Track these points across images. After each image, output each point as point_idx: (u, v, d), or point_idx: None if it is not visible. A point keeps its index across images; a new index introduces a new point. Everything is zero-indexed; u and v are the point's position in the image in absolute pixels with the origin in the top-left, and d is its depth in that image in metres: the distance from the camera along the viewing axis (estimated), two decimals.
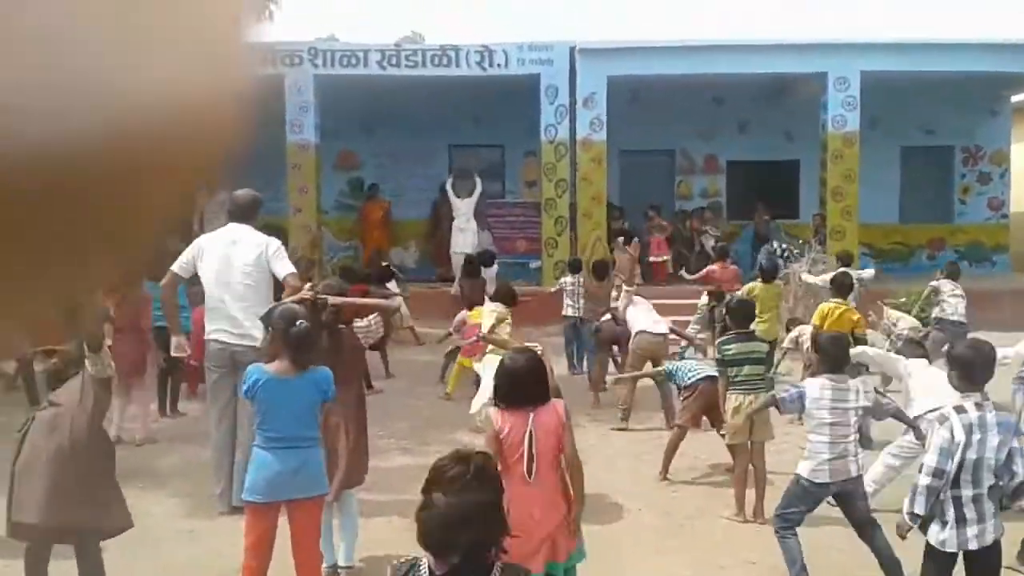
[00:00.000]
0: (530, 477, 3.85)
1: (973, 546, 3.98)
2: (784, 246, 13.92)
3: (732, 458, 6.54)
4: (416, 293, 13.42)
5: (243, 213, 6.25)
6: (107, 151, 0.49)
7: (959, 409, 4.02)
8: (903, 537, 4.29)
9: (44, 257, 0.50)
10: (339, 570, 5.13)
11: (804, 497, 5.06)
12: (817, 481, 4.95)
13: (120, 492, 4.55)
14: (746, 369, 6.31)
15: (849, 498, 5.06)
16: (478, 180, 15.18)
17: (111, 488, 4.48)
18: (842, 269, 9.94)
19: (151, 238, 0.59)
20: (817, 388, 4.96)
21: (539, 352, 4.22)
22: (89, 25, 0.48)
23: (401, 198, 17.02)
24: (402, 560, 2.43)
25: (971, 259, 17.48)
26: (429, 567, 2.34)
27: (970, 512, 3.94)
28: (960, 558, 4.10)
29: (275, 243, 6.22)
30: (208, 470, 6.54)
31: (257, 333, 5.96)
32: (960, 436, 3.92)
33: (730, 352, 6.33)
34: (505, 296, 7.83)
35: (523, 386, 3.91)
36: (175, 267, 6.25)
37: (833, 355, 5.13)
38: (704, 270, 11.17)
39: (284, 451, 4.28)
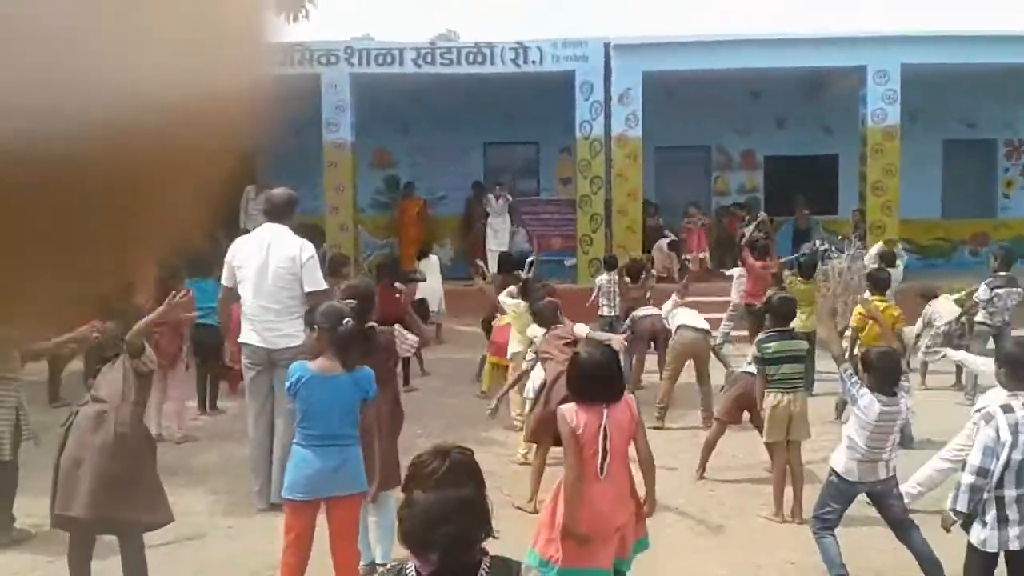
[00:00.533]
0: (602, 474, 3.87)
1: (1015, 546, 3.92)
2: (824, 242, 13.78)
3: (770, 457, 6.47)
4: (450, 291, 13.44)
5: (279, 212, 6.28)
6: (110, 147, 0.49)
7: (1006, 408, 3.95)
8: (947, 530, 4.22)
9: (46, 250, 0.51)
10: (377, 567, 5.17)
11: (837, 495, 5.01)
12: (848, 479, 4.89)
13: (162, 486, 4.62)
14: (784, 367, 6.25)
15: (882, 498, 5.00)
16: (508, 195, 15.30)
17: (154, 482, 4.56)
18: (878, 265, 9.79)
19: (170, 234, 0.59)
20: (868, 400, 4.87)
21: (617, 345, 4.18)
22: (89, 23, 0.48)
23: (436, 196, 17.09)
24: (389, 566, 2.41)
25: (1016, 255, 17.13)
26: (416, 569, 2.26)
27: (1012, 512, 3.87)
28: (1001, 558, 4.04)
29: (309, 250, 6.20)
30: (247, 468, 6.62)
31: (293, 332, 6.03)
32: (1006, 435, 3.85)
33: (770, 350, 6.26)
34: (546, 318, 6.84)
35: (599, 381, 3.91)
36: (223, 280, 6.32)
37: (883, 371, 5.00)
38: (746, 262, 10.92)
39: (325, 449, 4.32)
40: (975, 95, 16.16)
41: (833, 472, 5.01)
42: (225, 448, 7.83)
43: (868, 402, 4.86)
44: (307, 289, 6.06)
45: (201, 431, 8.55)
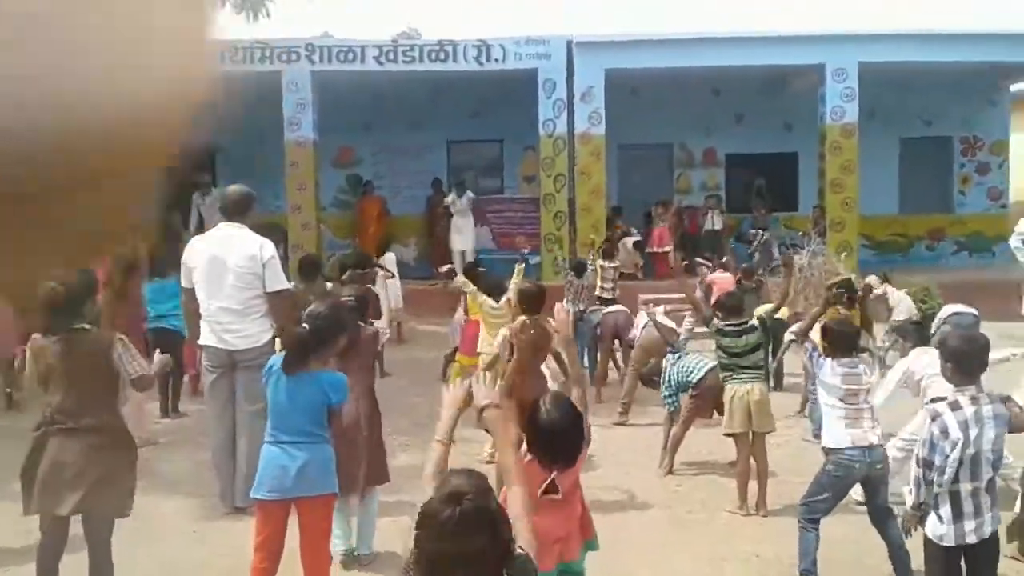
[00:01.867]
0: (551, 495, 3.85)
1: (972, 540, 4.00)
2: (762, 235, 14.16)
3: (736, 451, 6.53)
4: (414, 291, 13.41)
5: (236, 209, 6.07)
6: (47, 147, 0.49)
7: (954, 405, 4.02)
8: (908, 533, 4.30)
9: None
10: (359, 555, 5.30)
11: (833, 482, 5.04)
12: (843, 449, 4.95)
13: (134, 479, 4.58)
14: (744, 361, 6.34)
15: (878, 484, 5.07)
16: (469, 193, 15.25)
17: (131, 475, 4.53)
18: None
19: (112, 232, 0.59)
20: (828, 366, 5.04)
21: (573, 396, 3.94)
22: (29, 26, 0.48)
23: (400, 194, 17.03)
24: None
25: (971, 249, 17.49)
26: None
27: (968, 506, 3.95)
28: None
29: (269, 248, 6.04)
30: (213, 472, 6.55)
31: (255, 332, 5.96)
32: (956, 433, 3.92)
33: (731, 346, 6.35)
34: (531, 301, 6.52)
35: (557, 444, 3.57)
36: (183, 282, 6.19)
37: (840, 336, 5.19)
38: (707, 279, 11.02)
39: (290, 446, 4.28)
40: (932, 93, 16.47)
41: (828, 455, 5.05)
42: (189, 451, 7.74)
43: (829, 367, 5.01)
44: (269, 289, 5.95)
45: (164, 435, 8.43)
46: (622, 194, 16.91)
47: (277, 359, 4.42)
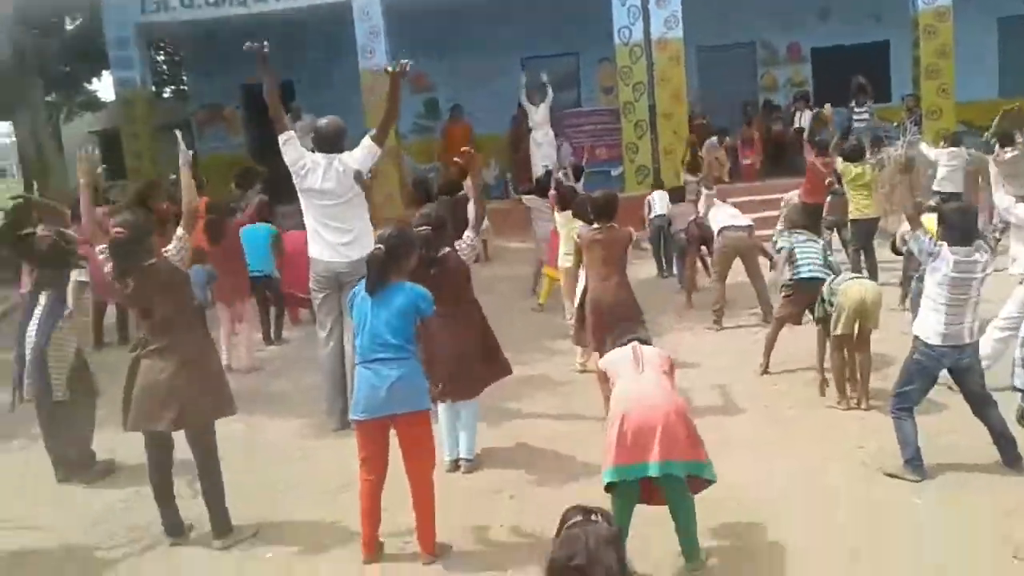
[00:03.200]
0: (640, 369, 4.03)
1: None
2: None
3: (831, 348, 6.37)
4: (496, 210, 13.41)
5: (330, 144, 6.29)
6: None
7: None
8: (1021, 423, 4.16)
9: None
10: (460, 462, 5.50)
11: (920, 371, 4.95)
12: (932, 345, 4.83)
13: (227, 382, 4.90)
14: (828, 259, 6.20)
15: (964, 373, 4.94)
16: (549, 89, 14.91)
17: (223, 380, 4.87)
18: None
19: None
20: (944, 253, 4.82)
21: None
22: None
23: (477, 116, 16.89)
24: None
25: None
26: None
27: None
28: None
29: (346, 155, 6.24)
30: (316, 394, 6.78)
31: (354, 254, 6.09)
32: None
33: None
34: (601, 209, 6.75)
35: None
36: (287, 134, 6.27)
37: (959, 225, 4.93)
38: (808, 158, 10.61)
39: (379, 365, 4.36)
40: None
41: (918, 344, 4.94)
42: (293, 375, 8.02)
43: (945, 254, 4.80)
44: (361, 163, 6.21)
45: (268, 362, 8.75)
46: (704, 98, 16.43)
47: (359, 286, 4.52)
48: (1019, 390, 3.99)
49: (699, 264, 10.10)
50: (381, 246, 4.42)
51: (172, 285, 4.67)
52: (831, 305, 6.14)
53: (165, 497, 4.89)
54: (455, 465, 5.50)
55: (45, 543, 5.04)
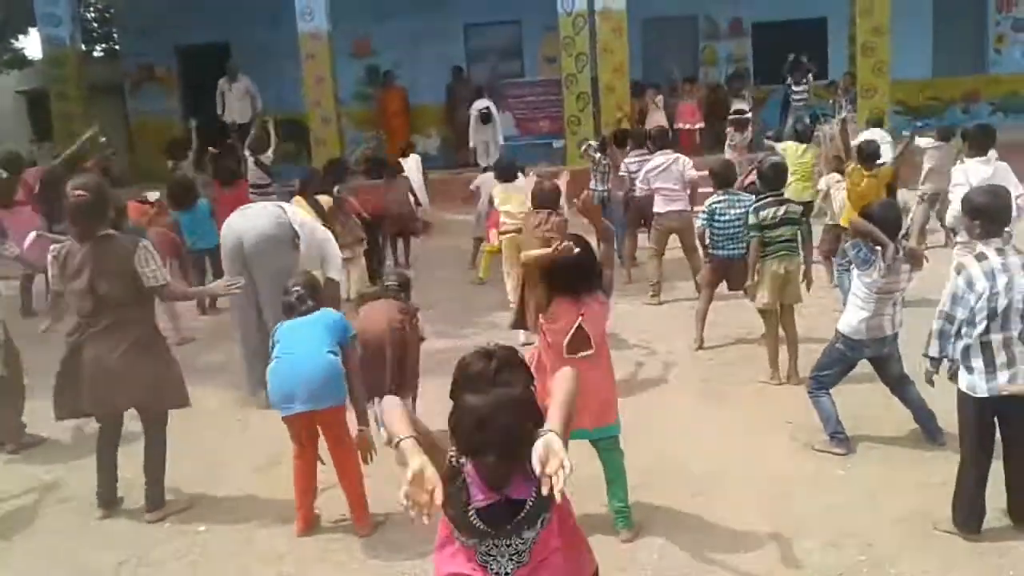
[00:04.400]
0: (578, 355, 4.01)
1: (1007, 391, 3.99)
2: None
3: (764, 323, 6.55)
4: (438, 180, 13.34)
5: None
6: None
7: (979, 256, 3.97)
8: (930, 383, 4.31)
9: None
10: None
11: (840, 359, 5.11)
12: (854, 339, 4.99)
13: (181, 373, 4.82)
14: (781, 231, 6.26)
15: (884, 360, 5.12)
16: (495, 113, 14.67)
17: (175, 369, 4.79)
18: (867, 138, 9.71)
19: None
20: (879, 265, 4.90)
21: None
22: None
23: (418, 83, 16.70)
24: (448, 462, 2.32)
25: (1007, 110, 16.98)
26: (468, 475, 2.28)
27: (1001, 357, 3.93)
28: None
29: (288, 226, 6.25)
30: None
31: (266, 225, 6.05)
32: (982, 284, 3.88)
33: (765, 217, 6.26)
34: (542, 200, 7.05)
35: (573, 275, 4.07)
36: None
37: (885, 221, 5.00)
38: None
39: (294, 359, 4.33)
40: None
41: (839, 336, 5.08)
42: (228, 346, 7.88)
43: (879, 263, 4.88)
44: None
45: (201, 332, 8.61)
46: (647, 72, 16.47)
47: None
48: (928, 356, 4.14)
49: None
50: (299, 289, 4.57)
51: (128, 259, 4.50)
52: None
53: (108, 468, 4.84)
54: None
55: None
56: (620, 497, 4.32)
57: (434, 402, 6.09)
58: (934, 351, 4.12)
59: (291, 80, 15.12)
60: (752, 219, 6.29)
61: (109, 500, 4.85)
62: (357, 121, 16.74)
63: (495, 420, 2.14)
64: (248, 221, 6.23)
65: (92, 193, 4.47)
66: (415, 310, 5.54)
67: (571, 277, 4.07)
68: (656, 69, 16.51)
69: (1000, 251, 3.95)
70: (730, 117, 12.31)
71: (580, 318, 4.05)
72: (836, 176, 8.66)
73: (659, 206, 8.69)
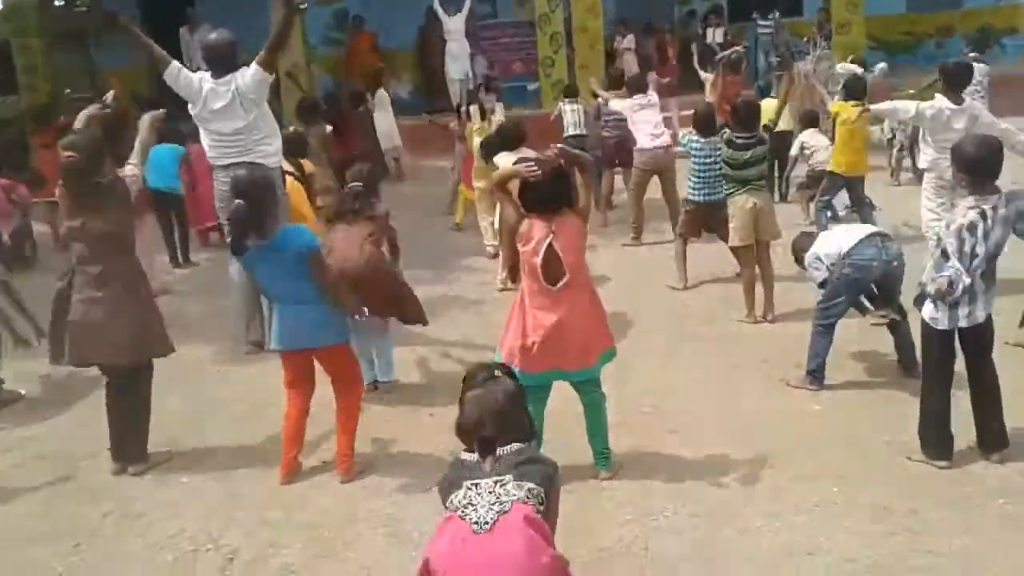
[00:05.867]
0: (554, 287, 3.98)
1: (963, 324, 4.08)
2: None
3: (737, 261, 6.59)
4: (410, 127, 13.18)
5: (221, 61, 5.87)
6: None
7: (983, 215, 3.95)
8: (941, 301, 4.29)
9: None
10: (378, 384, 5.54)
11: (849, 284, 5.11)
12: (853, 247, 5.04)
13: (162, 319, 4.84)
14: (750, 171, 6.31)
15: (892, 283, 5.12)
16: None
17: (157, 317, 4.80)
18: (854, 72, 9.68)
19: None
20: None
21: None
22: None
23: (389, 28, 16.37)
24: (452, 459, 2.60)
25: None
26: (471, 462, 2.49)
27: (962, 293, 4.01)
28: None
29: (241, 72, 5.81)
30: (229, 318, 6.67)
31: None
32: (969, 244, 3.93)
33: (737, 158, 6.29)
34: (510, 139, 7.01)
35: (544, 192, 4.03)
36: (170, 68, 5.87)
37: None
38: (708, 81, 10.69)
39: (287, 307, 4.38)
40: None
41: (844, 259, 5.07)
42: (204, 298, 7.85)
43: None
44: (254, 78, 5.79)
45: (179, 284, 8.55)
46: (620, 9, 16.24)
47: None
48: (923, 284, 4.17)
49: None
50: (241, 202, 4.24)
51: (119, 204, 4.55)
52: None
53: (118, 420, 4.80)
54: (373, 387, 5.51)
55: None
56: (601, 443, 4.36)
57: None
58: (926, 277, 4.11)
59: (258, 28, 14.76)
60: (725, 157, 6.35)
61: (120, 453, 4.80)
62: (328, 67, 16.43)
63: (487, 403, 2.50)
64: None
65: (82, 153, 4.47)
66: (384, 228, 5.32)
67: (541, 193, 4.03)
68: (630, 8, 16.28)
69: (992, 210, 3.96)
70: (724, 58, 11.92)
71: (551, 235, 3.99)
72: (809, 132, 8.67)
73: (643, 142, 8.60)
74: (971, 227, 3.96)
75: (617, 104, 8.98)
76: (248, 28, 15.05)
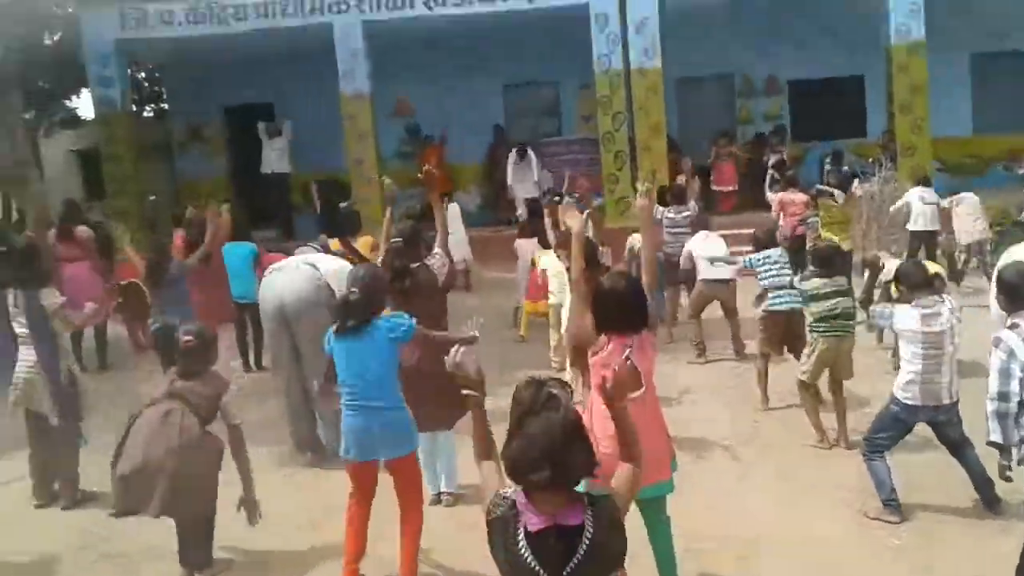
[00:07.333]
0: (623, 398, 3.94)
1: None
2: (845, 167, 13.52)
3: (800, 388, 6.45)
4: (478, 238, 13.47)
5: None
6: None
7: (1013, 326, 3.96)
8: (1006, 479, 4.22)
9: None
10: (442, 496, 5.49)
11: (894, 423, 5.02)
12: (909, 404, 4.90)
13: (216, 487, 4.79)
14: (834, 303, 6.17)
15: (942, 425, 5.01)
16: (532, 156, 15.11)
17: (214, 483, 4.77)
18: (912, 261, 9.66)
19: None
20: (903, 312, 4.92)
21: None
22: None
23: (459, 142, 16.95)
24: (499, 495, 2.41)
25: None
26: (520, 504, 2.32)
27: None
28: None
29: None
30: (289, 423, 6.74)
31: (305, 287, 6.19)
32: (1022, 353, 3.87)
33: (811, 287, 6.26)
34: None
35: (622, 311, 3.94)
36: None
37: (910, 277, 5.06)
38: (774, 201, 10.78)
39: (364, 411, 4.40)
40: (1003, 4, 15.69)
41: (894, 400, 5.01)
42: (274, 403, 7.91)
43: (904, 313, 4.87)
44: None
45: (249, 389, 8.67)
46: (682, 130, 16.58)
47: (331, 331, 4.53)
48: (993, 444, 4.07)
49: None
50: (356, 289, 4.40)
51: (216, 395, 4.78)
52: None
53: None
54: (437, 499, 5.48)
55: (30, 567, 4.98)
56: (670, 571, 4.18)
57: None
58: (996, 436, 4.05)
59: (333, 140, 15.44)
60: (801, 286, 6.34)
61: (185, 557, 4.81)
62: (399, 179, 16.94)
63: (544, 440, 2.25)
64: (287, 281, 6.37)
65: (199, 339, 4.74)
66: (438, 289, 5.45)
67: (621, 308, 3.95)
68: (693, 128, 16.63)
69: None
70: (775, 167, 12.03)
71: (628, 349, 3.92)
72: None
73: (704, 272, 8.68)
74: (996, 341, 3.98)
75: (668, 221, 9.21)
76: (321, 134, 15.87)
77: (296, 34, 15.05)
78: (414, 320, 4.54)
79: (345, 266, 6.68)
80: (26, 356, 5.76)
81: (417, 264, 5.43)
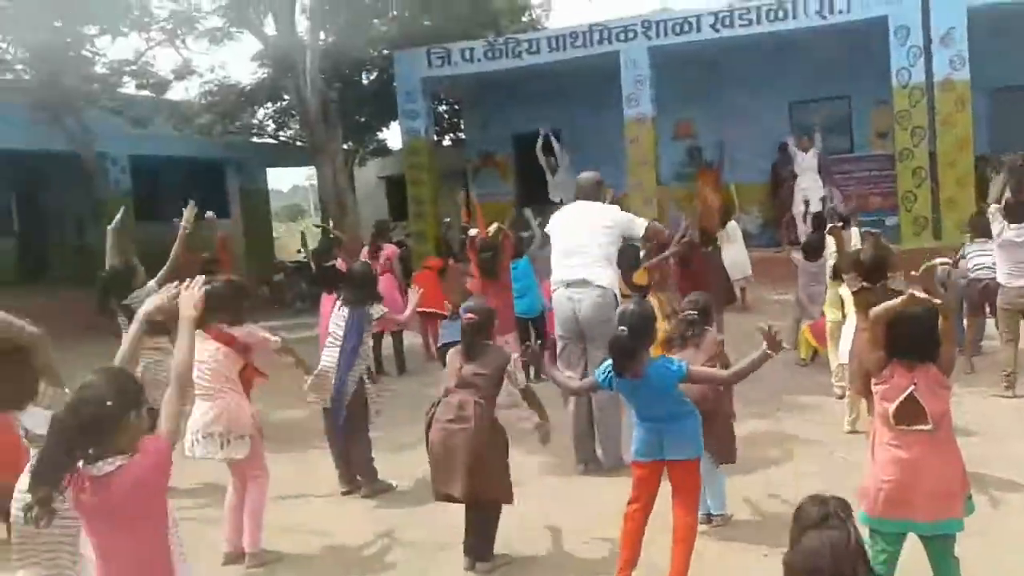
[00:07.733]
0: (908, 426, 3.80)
1: None
2: None
3: None
4: (759, 259, 13.18)
5: (587, 195, 6.83)
6: None
7: None
8: None
9: None
10: (712, 517, 5.50)
11: None
12: None
13: (508, 469, 5.14)
14: None
15: None
16: (818, 136, 14.60)
17: (505, 467, 5.13)
18: None
19: None
20: None
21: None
22: None
23: (741, 163, 16.70)
24: None
25: None
26: None
27: None
28: None
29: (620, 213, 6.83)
30: (565, 430, 6.98)
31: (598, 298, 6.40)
32: None
33: None
34: (869, 270, 6.02)
35: (912, 339, 3.82)
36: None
37: None
38: None
39: (655, 425, 4.55)
40: None
41: None
42: (554, 413, 8.24)
43: None
44: (638, 232, 6.86)
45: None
46: (992, 145, 15.17)
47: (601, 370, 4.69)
48: None
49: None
50: (624, 328, 4.44)
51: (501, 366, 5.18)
52: None
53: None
54: (707, 519, 5.47)
55: (331, 550, 5.62)
56: None
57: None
58: None
59: (616, 163, 15.83)
60: None
61: (470, 548, 5.16)
62: (676, 200, 17.04)
63: (822, 559, 2.33)
64: (580, 289, 6.60)
65: (480, 315, 5.17)
66: (717, 356, 5.39)
67: (910, 337, 3.80)
68: (1007, 143, 15.14)
69: None
70: None
71: (912, 386, 3.77)
72: None
73: (1003, 279, 7.88)
74: None
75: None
76: (603, 157, 16.31)
77: (583, 63, 15.64)
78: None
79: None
80: (329, 355, 6.50)
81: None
